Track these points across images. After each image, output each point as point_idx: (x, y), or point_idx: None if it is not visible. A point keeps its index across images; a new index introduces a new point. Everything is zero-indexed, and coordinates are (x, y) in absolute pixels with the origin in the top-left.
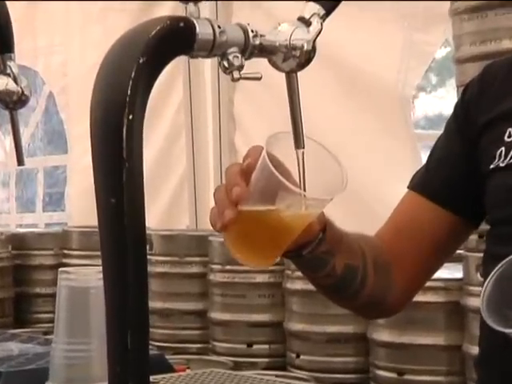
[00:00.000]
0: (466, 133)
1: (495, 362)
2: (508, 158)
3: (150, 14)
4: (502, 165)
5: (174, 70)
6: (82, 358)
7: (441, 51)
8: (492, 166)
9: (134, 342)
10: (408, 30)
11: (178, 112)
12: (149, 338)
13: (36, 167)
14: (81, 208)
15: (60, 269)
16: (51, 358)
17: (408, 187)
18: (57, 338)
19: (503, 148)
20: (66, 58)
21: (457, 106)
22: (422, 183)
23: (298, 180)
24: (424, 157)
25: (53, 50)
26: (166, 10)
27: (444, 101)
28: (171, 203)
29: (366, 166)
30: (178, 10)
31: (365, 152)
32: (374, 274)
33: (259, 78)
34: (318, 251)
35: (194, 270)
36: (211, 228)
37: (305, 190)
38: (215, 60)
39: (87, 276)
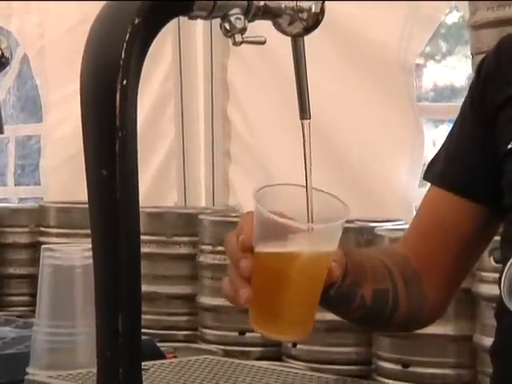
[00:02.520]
0: (482, 112)
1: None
2: None
3: None
4: None
5: (162, 32)
6: (67, 342)
7: (452, 16)
8: (510, 146)
9: (125, 326)
10: None
11: (167, 79)
12: (141, 321)
13: (7, 136)
14: (58, 182)
15: (43, 246)
16: (32, 342)
17: (424, 178)
18: (39, 320)
19: None
20: (42, 18)
21: (472, 85)
22: (440, 174)
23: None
24: (427, 132)
25: (29, 10)
26: None
27: (455, 71)
28: (158, 178)
29: (365, 141)
30: None
31: (364, 124)
32: (406, 291)
33: (263, 42)
34: (343, 287)
35: (183, 250)
36: (201, 205)
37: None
38: (208, 22)
39: (72, 254)
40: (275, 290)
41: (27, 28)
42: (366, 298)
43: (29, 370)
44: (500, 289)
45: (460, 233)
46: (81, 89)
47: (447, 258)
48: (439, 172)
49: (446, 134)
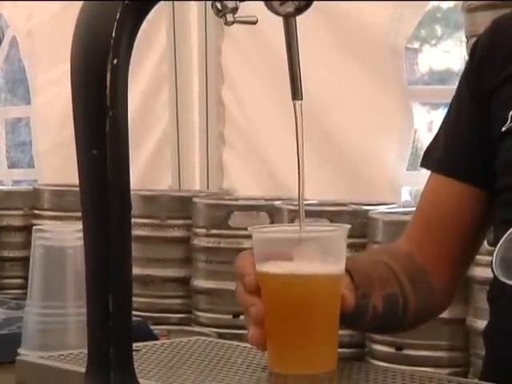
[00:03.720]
0: (478, 93)
1: (504, 334)
2: None
3: None
4: None
5: (157, 15)
6: (58, 322)
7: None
8: (504, 129)
9: (115, 306)
10: None
11: (161, 62)
12: (132, 301)
13: None
14: (51, 164)
15: (34, 227)
16: (24, 323)
17: (423, 165)
18: (30, 301)
19: None
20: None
21: (467, 66)
22: (439, 161)
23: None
24: (422, 116)
25: None
26: None
27: (450, 54)
28: (152, 161)
29: (354, 123)
30: None
31: (353, 107)
32: (413, 290)
33: (255, 22)
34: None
35: (177, 233)
36: (196, 188)
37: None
38: (202, 4)
39: (64, 235)
40: (294, 316)
41: (17, 10)
42: (377, 307)
43: (20, 350)
44: (492, 262)
45: (462, 219)
46: (71, 68)
47: (452, 248)
48: (438, 158)
49: (442, 117)
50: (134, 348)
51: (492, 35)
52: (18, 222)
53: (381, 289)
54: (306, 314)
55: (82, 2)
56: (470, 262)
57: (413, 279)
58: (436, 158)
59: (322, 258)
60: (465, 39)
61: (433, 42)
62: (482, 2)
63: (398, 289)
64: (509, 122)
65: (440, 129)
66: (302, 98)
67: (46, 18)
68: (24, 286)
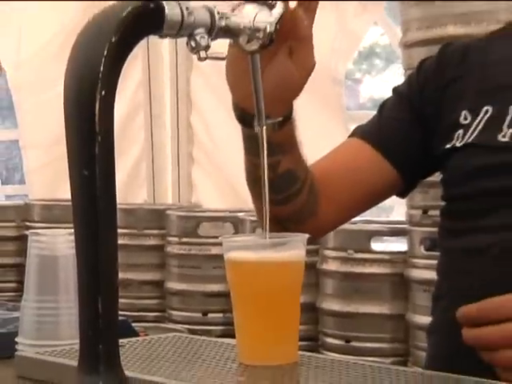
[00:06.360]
0: (417, 104)
1: (445, 331)
2: (465, 140)
3: None
4: (458, 145)
5: (134, 50)
6: (50, 315)
7: (384, 38)
8: (448, 146)
9: (104, 308)
10: (341, 14)
11: (137, 91)
12: (118, 304)
13: None
14: (40, 181)
15: (30, 231)
16: (21, 315)
17: (352, 136)
18: (27, 296)
19: (460, 130)
20: (20, 33)
21: (411, 77)
22: (369, 132)
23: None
24: None
25: (8, 23)
26: None
27: (389, 84)
28: (130, 178)
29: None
30: None
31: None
32: (307, 193)
33: (223, 58)
34: (273, 136)
35: (152, 242)
36: (168, 202)
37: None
38: (173, 41)
39: (56, 238)
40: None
41: (6, 42)
42: (280, 166)
43: (18, 339)
44: None
45: (369, 182)
46: (64, 98)
47: (348, 198)
48: (369, 131)
49: None
50: (119, 344)
51: (439, 56)
52: (11, 233)
53: (293, 163)
54: (271, 306)
55: (66, 35)
56: (359, 213)
57: (310, 190)
58: (367, 130)
59: (286, 252)
60: (402, 71)
61: (373, 73)
62: (417, 40)
63: (302, 178)
64: (454, 140)
65: (373, 118)
66: (265, 124)
67: (34, 50)
68: (17, 290)
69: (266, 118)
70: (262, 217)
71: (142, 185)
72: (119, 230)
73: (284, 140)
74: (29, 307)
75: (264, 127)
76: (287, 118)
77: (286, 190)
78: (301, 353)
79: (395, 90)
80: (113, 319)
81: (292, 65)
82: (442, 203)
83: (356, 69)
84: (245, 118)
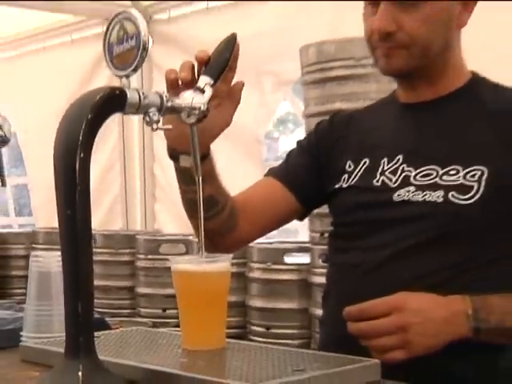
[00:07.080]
0: (315, 154)
1: (332, 323)
2: (349, 182)
3: (90, 81)
4: (344, 186)
5: (111, 121)
6: (46, 315)
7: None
8: (337, 186)
9: (83, 310)
10: (261, 90)
11: (114, 150)
12: (93, 306)
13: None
14: (44, 214)
15: (32, 253)
16: (24, 315)
17: (266, 175)
18: (29, 301)
19: (346, 175)
20: (27, 106)
21: (310, 135)
22: (279, 172)
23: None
24: None
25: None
26: (103, 80)
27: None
28: (109, 211)
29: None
30: (113, 80)
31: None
32: (227, 215)
33: (170, 129)
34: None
35: (126, 258)
36: (137, 228)
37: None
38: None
39: (50, 259)
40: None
41: (16, 113)
42: (203, 193)
43: (23, 332)
44: None
45: (279, 211)
46: (54, 157)
47: (261, 221)
48: (279, 171)
49: None
50: (95, 336)
51: (331, 122)
52: (22, 252)
53: (213, 191)
54: (206, 304)
55: (61, 111)
56: (268, 232)
57: (231, 213)
58: (277, 169)
59: (216, 265)
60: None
61: (287, 133)
62: (315, 112)
63: (222, 204)
64: (340, 182)
65: (286, 157)
66: (200, 175)
67: (36, 120)
68: (25, 295)
69: (185, 154)
70: (197, 230)
71: (118, 216)
72: (101, 250)
73: (205, 173)
74: (30, 309)
75: (200, 177)
76: (206, 156)
77: (208, 210)
78: (228, 340)
79: (298, 142)
80: (89, 318)
81: (216, 115)
82: (331, 228)
83: (275, 130)
84: (175, 155)
